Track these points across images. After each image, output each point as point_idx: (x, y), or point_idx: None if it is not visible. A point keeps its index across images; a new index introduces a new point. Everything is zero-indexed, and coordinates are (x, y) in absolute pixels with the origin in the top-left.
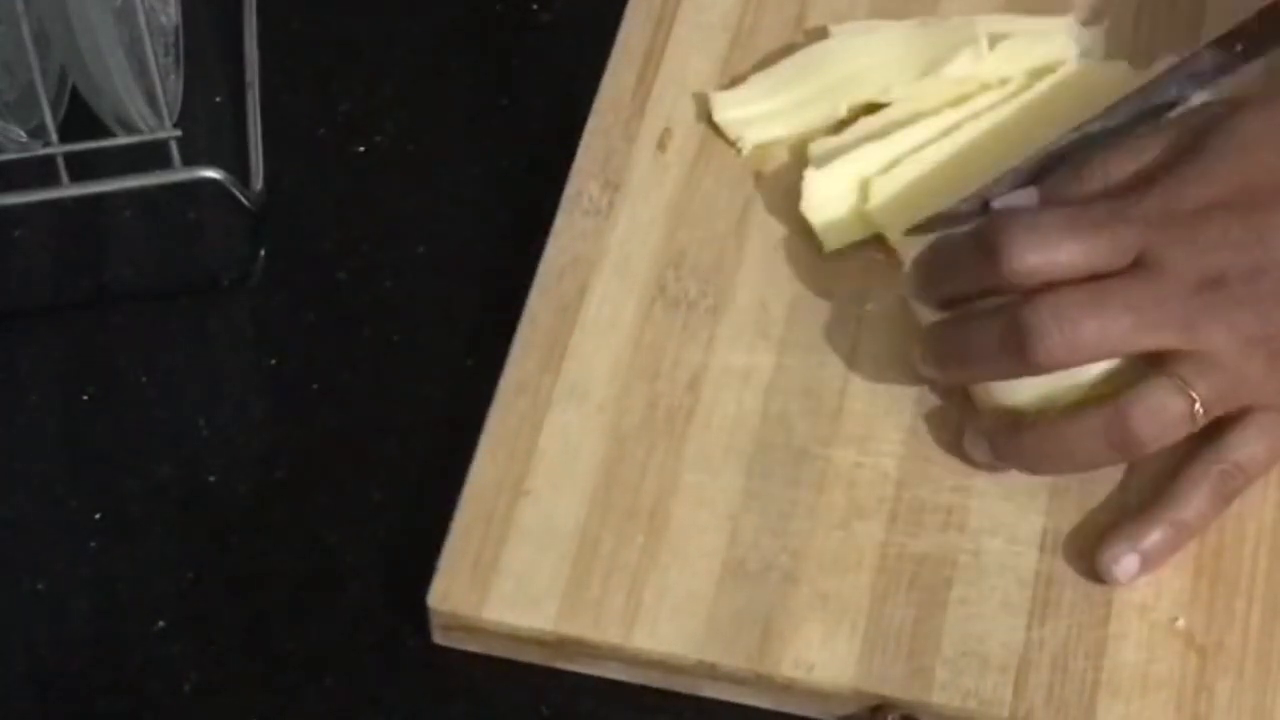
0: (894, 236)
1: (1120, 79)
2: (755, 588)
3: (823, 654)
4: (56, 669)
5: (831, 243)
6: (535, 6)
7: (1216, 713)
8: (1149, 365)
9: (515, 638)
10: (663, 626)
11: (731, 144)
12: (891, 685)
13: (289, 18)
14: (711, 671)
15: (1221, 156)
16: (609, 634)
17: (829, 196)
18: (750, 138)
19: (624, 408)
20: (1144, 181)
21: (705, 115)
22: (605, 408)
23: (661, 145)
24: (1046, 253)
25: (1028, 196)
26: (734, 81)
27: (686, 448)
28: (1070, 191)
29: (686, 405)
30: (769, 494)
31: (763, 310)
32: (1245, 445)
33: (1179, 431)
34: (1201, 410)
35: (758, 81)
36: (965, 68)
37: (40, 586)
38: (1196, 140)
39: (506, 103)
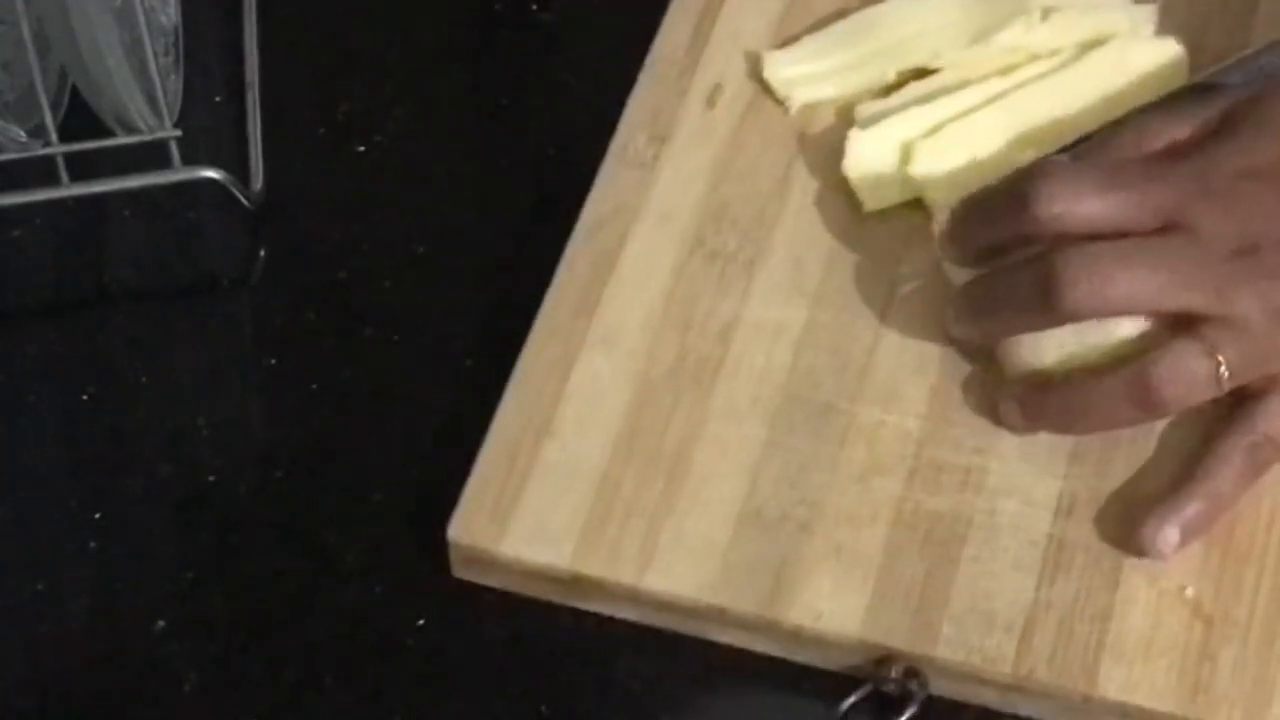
0: (933, 200)
1: (1170, 56)
2: (770, 536)
3: (832, 603)
4: (56, 669)
5: (871, 203)
6: (535, 7)
7: (1219, 681)
8: (1176, 329)
9: (531, 574)
10: (676, 569)
11: (780, 103)
12: (897, 637)
13: (289, 18)
14: (721, 616)
15: (1258, 130)
16: (623, 574)
17: (871, 157)
18: (799, 97)
19: (654, 356)
20: (1178, 151)
21: (756, 73)
22: (635, 355)
23: (711, 101)
24: (1076, 201)
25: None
26: (787, 41)
27: (713, 397)
28: (1103, 158)
29: (716, 356)
30: (791, 446)
31: (798, 266)
32: (1275, 416)
33: (1203, 394)
34: (1226, 374)
35: (810, 42)
36: (1016, 37)
37: (40, 586)
38: (1232, 114)
39: (506, 102)
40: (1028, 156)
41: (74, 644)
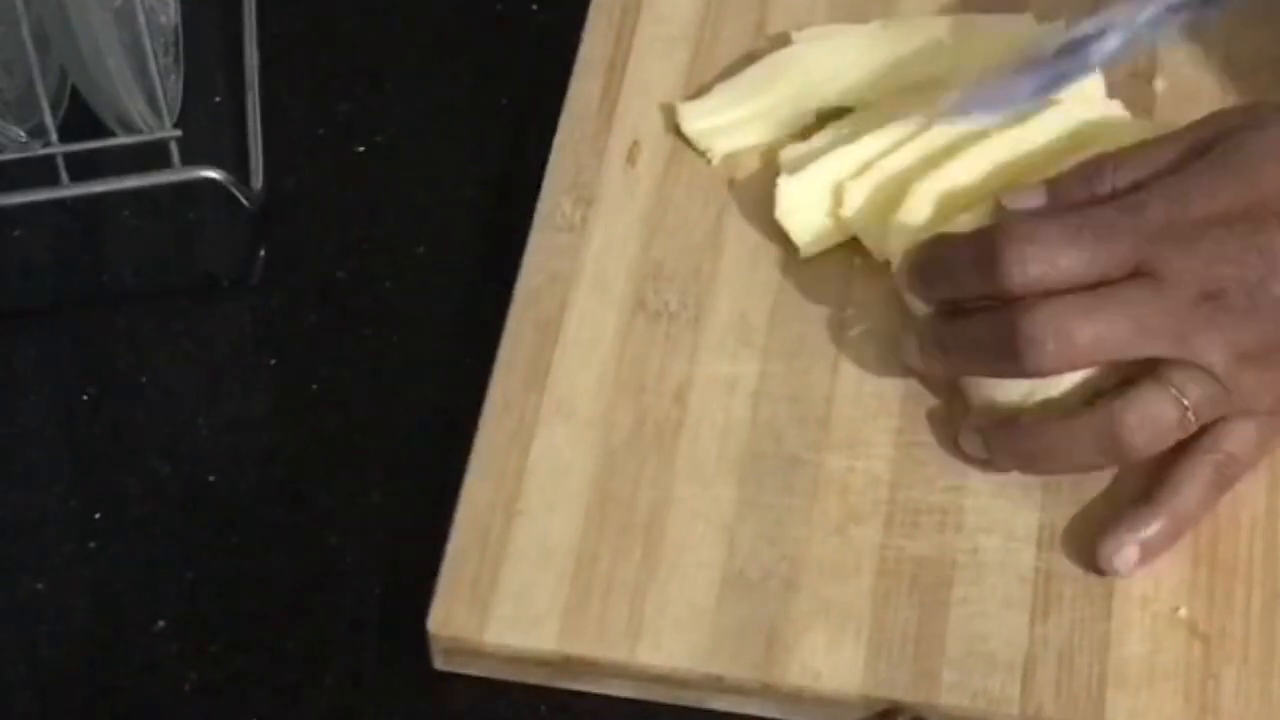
0: (870, 239)
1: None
2: (756, 597)
3: (828, 661)
4: (56, 669)
5: (808, 249)
6: (535, 7)
7: (1224, 700)
8: (1141, 369)
9: (518, 659)
10: (667, 640)
11: (701, 154)
12: (899, 689)
13: (289, 18)
14: (718, 684)
15: (1229, 169)
16: (613, 651)
17: (803, 202)
18: (719, 147)
19: (612, 423)
20: (1149, 188)
21: (673, 126)
22: (593, 423)
23: (630, 158)
24: (1047, 264)
25: (1036, 196)
26: (699, 91)
27: (677, 460)
28: (1077, 195)
29: (674, 417)
30: (763, 503)
31: (743, 319)
32: (1238, 436)
33: (1170, 438)
34: (1193, 418)
35: (723, 90)
36: (930, 68)
37: (40, 586)
38: (1206, 150)
39: (506, 103)
40: (956, 184)
41: (74, 644)
